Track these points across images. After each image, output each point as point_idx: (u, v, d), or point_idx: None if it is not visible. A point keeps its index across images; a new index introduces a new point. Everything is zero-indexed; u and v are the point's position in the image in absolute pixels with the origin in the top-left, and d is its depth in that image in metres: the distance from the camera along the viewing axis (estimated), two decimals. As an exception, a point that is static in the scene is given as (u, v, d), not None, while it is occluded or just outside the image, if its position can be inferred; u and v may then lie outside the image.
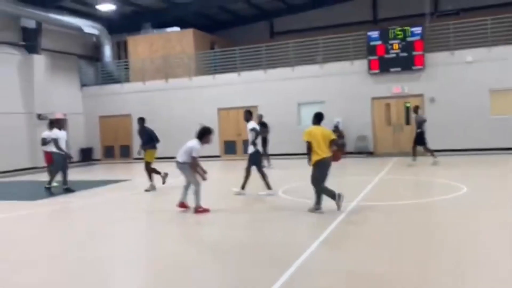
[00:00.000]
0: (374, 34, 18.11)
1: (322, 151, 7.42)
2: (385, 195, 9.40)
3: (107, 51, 23.00)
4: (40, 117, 19.62)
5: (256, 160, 9.54)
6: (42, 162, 19.52)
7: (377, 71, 18.04)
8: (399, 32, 17.71)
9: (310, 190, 9.54)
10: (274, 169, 14.40)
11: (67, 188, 11.49)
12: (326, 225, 6.59)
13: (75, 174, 16.03)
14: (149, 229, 7.53)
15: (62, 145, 11.31)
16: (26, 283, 4.80)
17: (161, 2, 21.86)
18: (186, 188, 8.39)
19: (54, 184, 11.78)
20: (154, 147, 11.52)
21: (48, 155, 12.11)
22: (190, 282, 4.58)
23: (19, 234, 7.46)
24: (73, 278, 4.91)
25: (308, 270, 4.74)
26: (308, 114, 19.41)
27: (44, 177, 14.91)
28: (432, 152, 14.03)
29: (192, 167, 8.03)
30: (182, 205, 8.41)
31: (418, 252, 5.31)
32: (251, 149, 9.51)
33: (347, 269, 4.74)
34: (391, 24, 19.29)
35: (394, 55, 17.75)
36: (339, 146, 7.87)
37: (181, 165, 8.15)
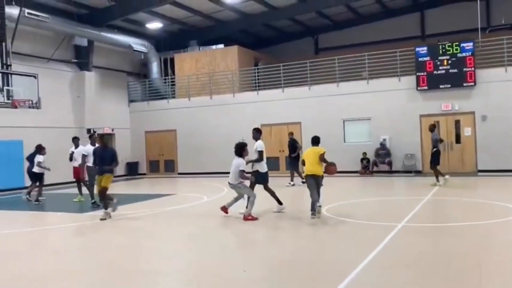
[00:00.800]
0: (423, 50, 17.63)
1: (310, 168, 8.85)
2: (434, 216, 8.97)
3: (155, 68, 23.62)
4: (90, 132, 20.30)
5: (262, 179, 9.58)
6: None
7: (425, 87, 17.51)
8: (448, 48, 17.16)
9: (354, 209, 9.25)
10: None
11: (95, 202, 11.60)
12: (373, 245, 6.32)
13: (121, 188, 16.41)
14: (191, 241, 7.49)
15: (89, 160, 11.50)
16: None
17: (207, 20, 22.30)
18: (237, 199, 9.34)
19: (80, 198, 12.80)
20: (112, 171, 9.90)
21: (77, 170, 12.81)
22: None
23: (65, 244, 7.62)
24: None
25: (354, 295, 4.53)
26: (353, 131, 19.14)
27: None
28: (439, 174, 13.46)
29: (243, 178, 8.93)
30: (224, 209, 9.37)
31: (470, 275, 4.97)
32: (261, 167, 9.62)
33: (396, 295, 4.49)
34: (439, 39, 18.78)
35: (443, 72, 17.18)
36: (329, 163, 9.03)
37: (233, 186, 9.11)
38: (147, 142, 23.04)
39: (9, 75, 14.77)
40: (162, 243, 7.58)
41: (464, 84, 16.91)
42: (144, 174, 22.88)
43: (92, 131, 20.37)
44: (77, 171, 12.84)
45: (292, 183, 15.00)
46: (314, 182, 8.79)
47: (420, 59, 17.55)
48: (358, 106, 18.53)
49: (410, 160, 17.76)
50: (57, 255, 6.90)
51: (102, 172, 9.61)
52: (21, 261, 6.57)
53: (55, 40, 19.28)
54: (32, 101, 14.91)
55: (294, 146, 15.53)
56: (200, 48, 23.38)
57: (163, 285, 5.27)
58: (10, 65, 15.37)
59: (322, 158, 8.79)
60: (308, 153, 9.12)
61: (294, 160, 15.37)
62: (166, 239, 7.88)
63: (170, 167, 22.43)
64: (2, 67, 15.12)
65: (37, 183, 13.07)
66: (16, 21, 15.73)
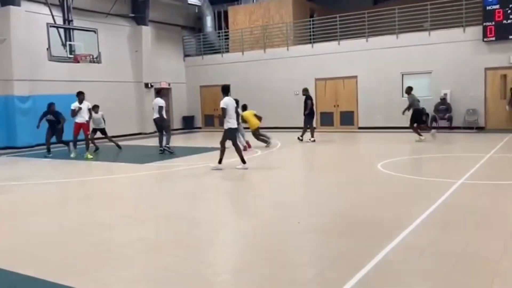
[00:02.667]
0: (492, -3, 16.40)
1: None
2: (495, 174, 8.63)
3: (209, 22, 23.58)
4: (148, 86, 20.86)
5: (230, 135, 9.87)
6: (149, 129, 20.88)
7: (493, 38, 16.38)
8: (522, -6, 15.84)
9: (411, 165, 9.11)
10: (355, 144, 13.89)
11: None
12: (430, 202, 6.21)
13: (178, 141, 16.91)
14: (244, 193, 7.68)
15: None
16: (139, 238, 5.15)
17: (262, -30, 21.74)
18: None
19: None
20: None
21: (79, 125, 12.52)
22: (287, 248, 4.59)
23: (134, 193, 8.06)
24: (177, 237, 5.18)
25: (407, 248, 4.51)
26: (412, 85, 18.41)
27: (151, 142, 15.96)
28: (417, 132, 13.93)
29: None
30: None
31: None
32: (226, 125, 9.78)
33: (449, 250, 4.42)
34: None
35: (514, 21, 15.97)
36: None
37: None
38: (202, 96, 23.36)
39: (71, 30, 15.25)
40: (221, 193, 7.82)
41: (537, 35, 15.67)
42: (200, 128, 23.38)
43: (149, 85, 20.94)
44: (83, 127, 12.56)
45: (312, 139, 14.98)
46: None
47: (488, 7, 16.35)
48: (418, 59, 17.72)
49: (472, 115, 16.97)
50: (123, 200, 7.31)
51: None
52: (96, 206, 7.04)
53: (112, -5, 19.59)
54: (92, 55, 15.38)
55: (306, 102, 15.15)
56: (254, 0, 22.97)
57: (221, 234, 5.48)
58: (72, 20, 15.85)
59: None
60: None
61: (307, 117, 15.12)
62: (226, 189, 8.12)
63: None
64: (64, 23, 15.63)
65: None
66: (75, -23, 16.07)
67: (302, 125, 15.37)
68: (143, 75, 20.86)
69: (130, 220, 6.12)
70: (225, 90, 10.05)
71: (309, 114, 15.08)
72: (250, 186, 8.38)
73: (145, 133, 20.60)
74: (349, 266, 4.14)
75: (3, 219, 6.41)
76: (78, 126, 12.56)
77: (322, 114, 20.13)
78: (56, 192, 8.52)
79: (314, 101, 15.46)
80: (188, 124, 23.28)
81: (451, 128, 17.04)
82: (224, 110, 9.69)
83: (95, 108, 13.63)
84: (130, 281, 3.99)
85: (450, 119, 17.07)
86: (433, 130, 14.24)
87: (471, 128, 16.73)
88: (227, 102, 9.76)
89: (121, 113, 19.49)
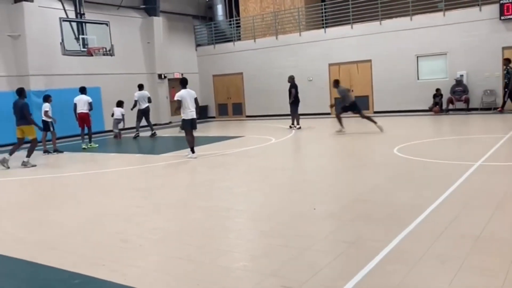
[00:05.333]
0: (509, -27, 15.96)
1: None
2: (516, 155, 8.47)
3: (220, 10, 23.46)
4: (161, 77, 20.93)
5: (184, 125, 10.36)
6: (164, 119, 21.01)
7: (510, 16, 15.98)
8: (540, -30, 15.39)
9: (428, 148, 9.02)
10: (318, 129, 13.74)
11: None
12: (447, 185, 6.14)
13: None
14: (265, 180, 7.69)
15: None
16: (158, 227, 5.21)
17: (271, -44, 21.48)
18: None
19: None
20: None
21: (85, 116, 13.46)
22: (304, 234, 4.59)
23: (150, 183, 8.14)
24: (191, 226, 5.22)
25: (423, 231, 4.47)
26: (428, 67, 18.15)
27: (166, 133, 16.05)
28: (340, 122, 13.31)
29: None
30: None
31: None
32: (184, 115, 10.18)
33: (467, 232, 4.36)
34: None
35: (532, -3, 15.55)
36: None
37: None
38: (215, 86, 23.36)
39: (83, 23, 15.34)
40: (236, 181, 7.84)
41: (557, 11, 15.25)
42: (214, 117, 23.41)
43: (163, 76, 21.00)
44: (86, 118, 13.32)
45: (298, 126, 15.04)
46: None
47: (506, -16, 15.94)
48: (433, 41, 17.41)
49: (490, 96, 16.65)
50: (137, 192, 7.38)
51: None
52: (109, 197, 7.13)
53: (123, -14, 19.61)
54: (105, 48, 15.47)
55: (291, 91, 15.15)
56: (265, -14, 22.75)
57: (237, 221, 5.50)
58: (84, 14, 15.94)
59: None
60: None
61: (292, 105, 15.12)
62: (240, 177, 8.14)
63: (238, 110, 22.75)
64: (76, 16, 15.72)
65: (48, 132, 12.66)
66: (85, -30, 16.11)
67: (315, 111, 15.30)
68: (156, 66, 20.91)
69: (146, 210, 6.18)
70: (183, 82, 10.37)
71: (294, 102, 15.09)
72: (262, 173, 8.38)
73: (160, 124, 20.72)
74: (366, 251, 4.13)
75: (22, 211, 6.54)
76: (80, 119, 13.31)
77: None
78: (75, 184, 8.64)
79: (299, 89, 15.40)
80: (202, 113, 23.26)
81: (468, 109, 16.76)
82: (179, 102, 10.09)
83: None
84: (147, 271, 4.04)
85: (467, 101, 16.78)
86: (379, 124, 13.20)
87: (489, 109, 16.43)
88: (182, 94, 10.11)
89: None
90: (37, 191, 8.13)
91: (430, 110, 17.23)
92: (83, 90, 13.64)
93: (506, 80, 15.82)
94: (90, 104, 13.44)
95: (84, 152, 12.83)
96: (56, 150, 12.75)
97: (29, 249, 4.78)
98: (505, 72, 15.87)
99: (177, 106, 10.19)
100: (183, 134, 11.43)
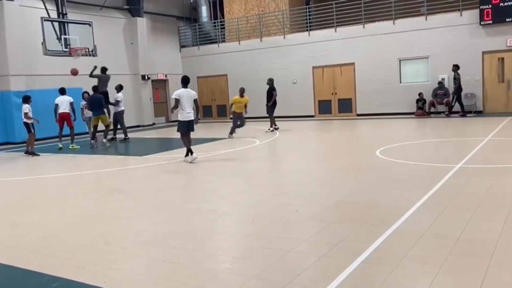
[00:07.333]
0: (489, -21, 16.28)
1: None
2: (494, 158, 8.63)
3: (204, 12, 23.42)
4: (144, 78, 20.78)
5: (181, 127, 9.74)
6: (148, 121, 20.87)
7: (490, 21, 16.30)
8: (518, -24, 15.73)
9: (410, 151, 9.10)
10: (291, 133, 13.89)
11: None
12: (428, 187, 6.22)
13: (176, 133, 16.85)
14: (249, 181, 7.69)
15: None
16: (141, 230, 5.16)
17: (256, -42, 21.52)
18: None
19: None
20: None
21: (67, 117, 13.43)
22: (287, 236, 4.60)
23: (135, 186, 8.06)
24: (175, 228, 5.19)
25: (405, 233, 4.52)
26: (410, 71, 18.40)
27: (149, 134, 15.94)
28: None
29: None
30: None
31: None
32: (178, 116, 9.79)
33: (447, 234, 4.43)
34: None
35: (511, 3, 15.86)
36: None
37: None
38: (199, 87, 23.28)
39: (66, 23, 15.16)
40: (221, 183, 7.82)
41: (535, 17, 15.60)
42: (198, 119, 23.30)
43: (146, 77, 20.86)
44: (68, 118, 13.28)
45: (275, 127, 15.22)
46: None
47: (485, -10, 16.25)
48: (415, 44, 17.66)
49: (471, 100, 16.94)
50: (123, 195, 7.31)
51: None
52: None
53: (106, -13, 19.43)
54: (88, 49, 15.30)
55: (271, 93, 15.30)
56: (250, -11, 22.78)
57: (221, 223, 5.49)
58: (66, 14, 15.75)
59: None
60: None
61: (271, 108, 15.34)
62: (225, 179, 8.12)
63: (222, 112, 22.71)
64: (59, 16, 15.53)
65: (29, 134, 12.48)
66: (68, -31, 15.92)
67: (299, 113, 15.42)
68: (140, 67, 20.77)
69: (129, 213, 6.13)
70: (184, 81, 9.74)
71: (272, 105, 15.22)
72: (247, 175, 8.37)
73: (143, 125, 20.58)
74: (348, 252, 4.15)
75: (2, 214, 6.42)
76: (61, 119, 13.33)
77: (320, 102, 20.08)
78: (56, 186, 8.52)
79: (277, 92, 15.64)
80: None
81: (449, 112, 17.00)
82: (176, 100, 9.49)
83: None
84: (129, 274, 4.00)
85: (448, 104, 17.03)
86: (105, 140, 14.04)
87: (470, 112, 16.70)
88: (179, 93, 9.49)
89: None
90: (16, 194, 7.99)
91: (417, 114, 17.46)
92: (62, 91, 13.53)
93: (454, 85, 16.26)
94: (71, 104, 13.37)
95: (65, 154, 12.66)
96: (33, 153, 12.48)
97: (7, 252, 4.70)
98: (453, 77, 16.30)
99: (173, 105, 9.64)
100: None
